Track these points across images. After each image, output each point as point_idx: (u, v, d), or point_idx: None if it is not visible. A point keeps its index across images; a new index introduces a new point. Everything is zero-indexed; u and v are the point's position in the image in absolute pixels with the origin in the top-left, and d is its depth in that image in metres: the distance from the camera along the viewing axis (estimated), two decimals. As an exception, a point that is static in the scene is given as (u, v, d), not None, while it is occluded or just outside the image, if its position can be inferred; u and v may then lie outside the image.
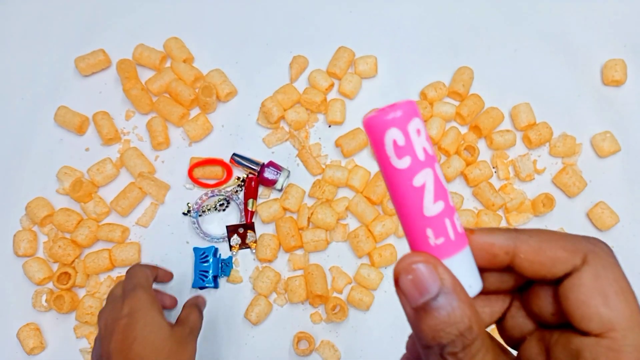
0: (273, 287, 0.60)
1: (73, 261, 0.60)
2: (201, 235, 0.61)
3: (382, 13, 0.71)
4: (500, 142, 0.63)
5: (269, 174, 0.62)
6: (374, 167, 0.64)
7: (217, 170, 0.63)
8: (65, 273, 0.59)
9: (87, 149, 0.65)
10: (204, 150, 0.65)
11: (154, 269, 0.54)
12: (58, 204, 0.62)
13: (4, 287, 0.61)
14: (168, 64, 0.68)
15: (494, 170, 0.64)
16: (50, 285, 0.60)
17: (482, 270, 0.26)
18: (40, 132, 0.65)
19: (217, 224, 0.63)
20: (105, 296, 0.60)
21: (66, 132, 0.65)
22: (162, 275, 0.56)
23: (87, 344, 0.59)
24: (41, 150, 0.65)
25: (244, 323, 0.60)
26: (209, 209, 0.62)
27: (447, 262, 0.23)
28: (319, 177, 0.64)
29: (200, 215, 0.62)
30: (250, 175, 0.63)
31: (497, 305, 0.28)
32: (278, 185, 0.62)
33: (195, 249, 0.61)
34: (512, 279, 0.27)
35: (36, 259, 0.60)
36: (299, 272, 0.61)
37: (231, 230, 0.61)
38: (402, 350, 0.55)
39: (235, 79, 0.67)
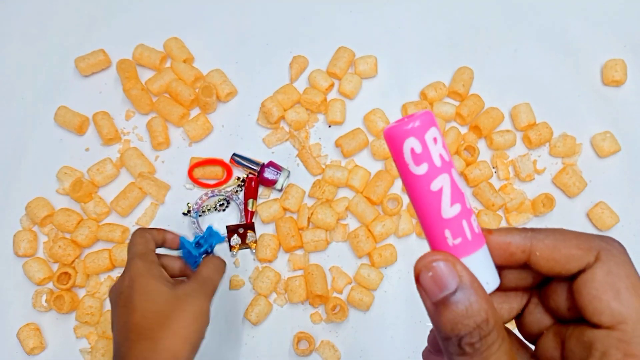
0: (273, 287, 0.60)
1: (73, 261, 0.60)
2: (201, 235, 0.61)
3: (382, 13, 0.71)
4: (500, 142, 0.63)
5: (269, 174, 0.62)
6: (373, 167, 0.64)
7: (217, 171, 0.63)
8: (65, 273, 0.59)
9: (87, 149, 0.65)
10: (204, 151, 0.65)
11: (160, 232, 0.51)
12: (58, 204, 0.62)
13: (4, 287, 0.61)
14: (168, 64, 0.68)
15: (494, 170, 0.64)
16: (50, 285, 0.60)
17: (500, 268, 0.27)
18: (40, 132, 0.65)
19: (217, 224, 0.63)
20: (106, 296, 0.60)
21: (66, 132, 0.65)
22: (170, 241, 0.52)
23: (87, 344, 0.59)
24: (41, 150, 0.65)
25: (244, 323, 0.60)
26: (209, 209, 0.63)
27: (465, 260, 0.25)
28: (319, 177, 0.64)
29: (200, 216, 0.62)
30: (250, 176, 0.63)
31: (515, 302, 0.29)
32: (278, 186, 0.62)
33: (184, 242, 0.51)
34: (529, 277, 0.28)
35: (36, 259, 0.60)
36: (299, 272, 0.61)
37: (231, 230, 0.61)
38: (402, 350, 0.56)
39: (235, 79, 0.67)
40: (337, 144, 0.64)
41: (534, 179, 0.64)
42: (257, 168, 0.62)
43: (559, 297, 0.27)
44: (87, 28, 0.70)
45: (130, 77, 0.65)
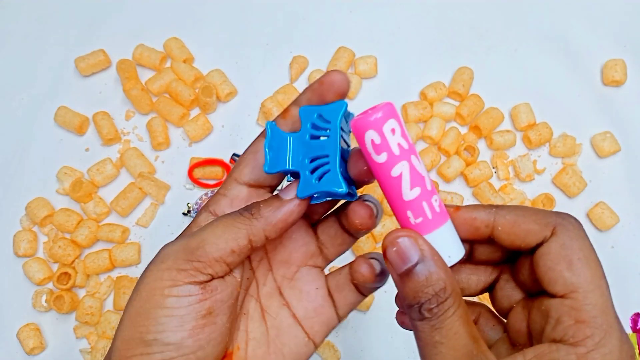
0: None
1: (73, 261, 0.60)
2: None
3: (382, 13, 0.71)
4: (500, 142, 0.63)
5: (269, 174, 0.62)
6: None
7: (217, 171, 0.63)
8: (65, 273, 0.59)
9: (87, 149, 0.65)
10: (204, 151, 0.65)
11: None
12: (58, 204, 0.62)
13: (4, 287, 0.60)
14: (168, 64, 0.68)
15: (494, 170, 0.64)
16: (50, 285, 0.60)
17: (467, 242, 0.30)
18: (40, 132, 0.65)
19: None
20: (106, 296, 0.60)
21: (66, 132, 0.65)
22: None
23: (87, 344, 0.59)
24: (41, 150, 0.65)
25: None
26: (209, 209, 0.63)
27: (428, 236, 0.28)
28: (319, 177, 0.64)
29: (200, 216, 0.62)
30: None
31: (485, 275, 0.32)
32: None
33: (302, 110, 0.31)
34: (497, 251, 0.31)
35: (36, 259, 0.60)
36: (299, 272, 0.61)
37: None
38: (402, 350, 0.56)
39: (235, 79, 0.67)
40: (337, 144, 0.64)
41: (534, 179, 0.64)
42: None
43: (525, 271, 0.29)
44: (87, 28, 0.70)
45: (130, 77, 0.65)
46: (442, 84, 0.66)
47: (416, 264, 0.26)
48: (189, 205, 0.63)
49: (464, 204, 0.63)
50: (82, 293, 0.60)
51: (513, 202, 0.62)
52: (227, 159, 0.64)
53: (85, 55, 0.66)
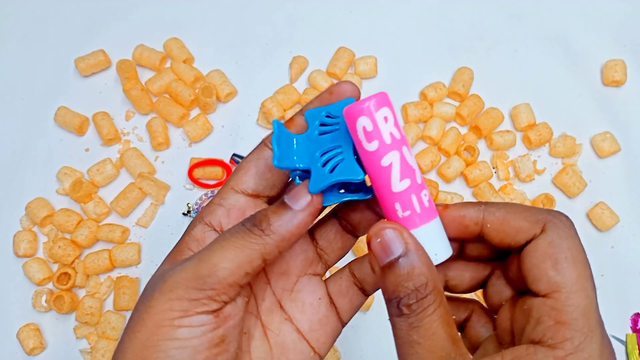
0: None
1: (73, 261, 0.60)
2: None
3: (382, 13, 0.71)
4: (500, 142, 0.63)
5: (269, 174, 0.62)
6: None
7: (217, 171, 0.63)
8: (65, 273, 0.59)
9: (87, 149, 0.65)
10: (204, 151, 0.65)
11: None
12: (58, 204, 0.62)
13: (4, 287, 0.60)
14: (168, 64, 0.68)
15: (494, 170, 0.64)
16: (50, 285, 0.60)
17: (457, 240, 0.29)
18: (40, 132, 0.65)
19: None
20: (106, 296, 0.60)
21: (66, 132, 0.65)
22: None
23: (87, 344, 0.59)
24: (41, 150, 0.65)
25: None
26: (209, 209, 0.62)
27: (414, 231, 0.27)
28: (319, 177, 0.63)
29: (200, 216, 0.62)
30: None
31: (477, 272, 0.31)
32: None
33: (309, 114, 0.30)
34: (488, 249, 0.30)
35: (36, 259, 0.60)
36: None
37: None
38: None
39: (235, 79, 0.67)
40: (337, 144, 0.64)
41: (533, 179, 0.64)
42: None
43: (514, 268, 0.28)
44: (87, 28, 0.70)
45: (130, 77, 0.65)
46: (442, 84, 0.66)
47: (399, 257, 0.25)
48: (189, 205, 0.63)
49: (455, 202, 0.63)
50: (82, 293, 0.60)
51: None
52: (227, 159, 0.64)
53: (85, 55, 0.66)
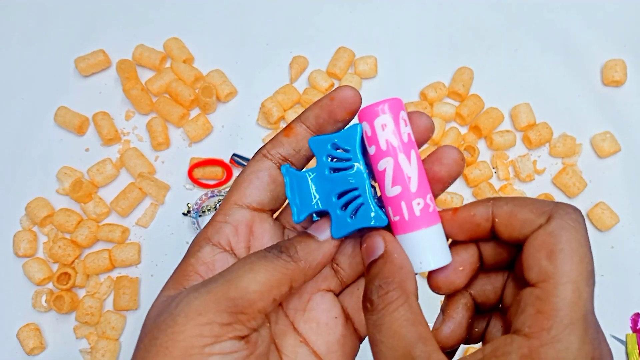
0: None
1: (73, 261, 0.60)
2: (201, 235, 0.61)
3: (382, 13, 0.71)
4: (500, 142, 0.63)
5: (269, 174, 0.62)
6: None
7: (217, 171, 0.63)
8: (65, 273, 0.59)
9: (87, 149, 0.65)
10: (204, 151, 0.65)
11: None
12: (58, 204, 0.62)
13: (4, 287, 0.61)
14: (168, 64, 0.68)
15: (494, 170, 0.64)
16: (50, 285, 0.60)
17: (473, 242, 0.29)
18: (40, 132, 0.65)
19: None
20: (106, 296, 0.60)
21: (66, 132, 0.65)
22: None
23: (87, 344, 0.59)
24: (41, 150, 0.65)
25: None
26: (208, 209, 0.63)
27: (401, 237, 0.28)
28: (319, 177, 0.63)
29: (200, 216, 0.62)
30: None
31: (497, 282, 0.30)
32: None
33: (314, 141, 0.29)
34: (504, 251, 0.29)
35: (36, 259, 0.60)
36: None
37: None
38: None
39: (235, 79, 0.67)
40: (337, 144, 0.64)
41: (533, 179, 0.64)
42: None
43: (519, 263, 0.28)
44: (87, 28, 0.70)
45: (130, 77, 0.65)
46: (442, 84, 0.66)
47: (378, 258, 0.27)
48: (189, 205, 0.63)
49: (464, 204, 0.63)
50: (82, 293, 0.60)
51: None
52: (227, 159, 0.64)
53: (85, 55, 0.66)
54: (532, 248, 0.25)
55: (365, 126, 0.28)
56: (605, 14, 0.70)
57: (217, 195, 0.63)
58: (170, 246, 0.62)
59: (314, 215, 0.30)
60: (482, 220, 0.27)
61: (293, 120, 0.30)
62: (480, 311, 0.30)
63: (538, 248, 0.25)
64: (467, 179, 0.62)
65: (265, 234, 0.31)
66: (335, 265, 0.32)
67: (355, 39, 0.68)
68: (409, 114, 0.29)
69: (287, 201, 0.31)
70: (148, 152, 0.64)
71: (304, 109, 0.32)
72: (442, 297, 0.31)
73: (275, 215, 0.32)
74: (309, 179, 0.29)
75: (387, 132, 0.27)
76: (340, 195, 0.28)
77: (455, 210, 0.29)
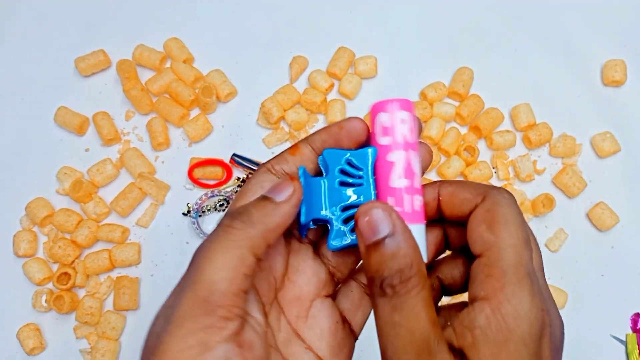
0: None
1: (73, 261, 0.60)
2: (201, 235, 0.61)
3: (382, 13, 0.71)
4: (500, 142, 0.63)
5: (269, 174, 0.62)
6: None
7: (217, 171, 0.63)
8: (65, 273, 0.59)
9: (87, 149, 0.65)
10: (204, 151, 0.65)
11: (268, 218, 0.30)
12: (58, 204, 0.62)
13: (4, 287, 0.60)
14: (168, 64, 0.68)
15: (493, 170, 0.64)
16: (50, 285, 0.60)
17: (439, 224, 0.31)
18: (40, 132, 0.65)
19: (217, 224, 0.63)
20: (105, 296, 0.60)
21: (66, 132, 0.65)
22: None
23: (87, 344, 0.59)
24: (41, 150, 0.65)
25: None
26: (208, 210, 0.63)
27: None
28: (319, 177, 0.64)
29: (200, 216, 0.62)
30: (250, 176, 0.63)
31: (465, 266, 0.31)
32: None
33: (328, 153, 0.30)
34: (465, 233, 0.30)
35: (36, 259, 0.60)
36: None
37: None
38: None
39: (235, 79, 0.67)
40: (337, 144, 0.64)
41: (533, 179, 0.64)
42: (257, 168, 0.62)
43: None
44: (87, 28, 0.70)
45: (130, 77, 0.65)
46: (442, 84, 0.66)
47: (386, 237, 0.26)
48: (189, 205, 0.63)
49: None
50: (82, 293, 0.60)
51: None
52: (227, 159, 0.64)
53: (85, 55, 0.66)
54: (474, 223, 0.28)
55: (384, 116, 0.29)
56: (605, 14, 0.70)
57: (217, 195, 0.63)
58: (170, 246, 0.62)
59: (311, 223, 0.30)
60: (430, 200, 0.30)
61: (300, 140, 0.31)
62: (450, 293, 0.32)
63: (479, 222, 0.27)
64: (467, 179, 0.62)
65: None
66: (332, 268, 0.32)
67: (355, 39, 0.68)
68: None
69: None
70: (148, 152, 0.64)
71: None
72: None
73: None
74: (324, 186, 0.30)
75: (405, 127, 0.29)
76: (345, 209, 0.30)
77: None
